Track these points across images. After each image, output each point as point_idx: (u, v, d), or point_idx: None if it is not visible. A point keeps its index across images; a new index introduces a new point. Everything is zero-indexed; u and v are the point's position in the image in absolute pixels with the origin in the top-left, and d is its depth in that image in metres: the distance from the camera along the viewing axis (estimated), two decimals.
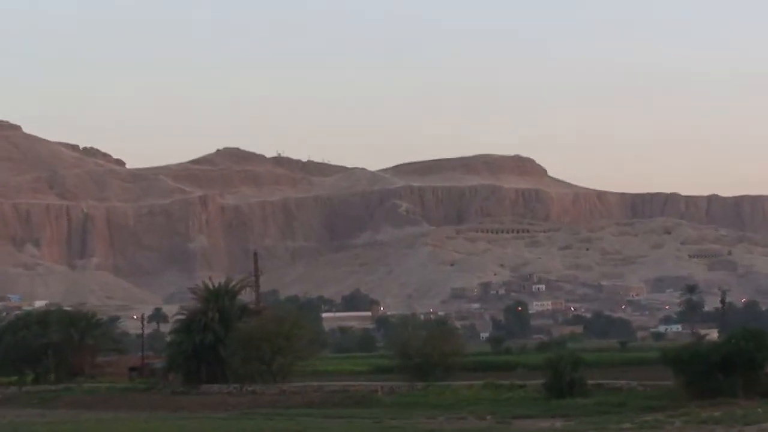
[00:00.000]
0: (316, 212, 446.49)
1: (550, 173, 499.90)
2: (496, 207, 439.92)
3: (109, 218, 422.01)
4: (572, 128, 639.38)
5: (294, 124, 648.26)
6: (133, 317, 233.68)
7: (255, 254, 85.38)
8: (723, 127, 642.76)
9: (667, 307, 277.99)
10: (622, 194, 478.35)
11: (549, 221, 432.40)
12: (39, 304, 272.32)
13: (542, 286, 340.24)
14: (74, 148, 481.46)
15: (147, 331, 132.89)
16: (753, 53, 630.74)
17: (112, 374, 77.36)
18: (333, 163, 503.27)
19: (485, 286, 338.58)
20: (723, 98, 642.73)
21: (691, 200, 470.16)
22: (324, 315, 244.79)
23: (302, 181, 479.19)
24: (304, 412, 47.84)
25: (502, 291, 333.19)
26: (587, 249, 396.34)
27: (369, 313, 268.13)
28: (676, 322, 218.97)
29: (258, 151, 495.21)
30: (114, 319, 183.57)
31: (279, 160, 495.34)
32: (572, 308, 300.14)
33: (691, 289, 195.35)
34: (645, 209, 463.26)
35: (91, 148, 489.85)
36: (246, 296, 73.46)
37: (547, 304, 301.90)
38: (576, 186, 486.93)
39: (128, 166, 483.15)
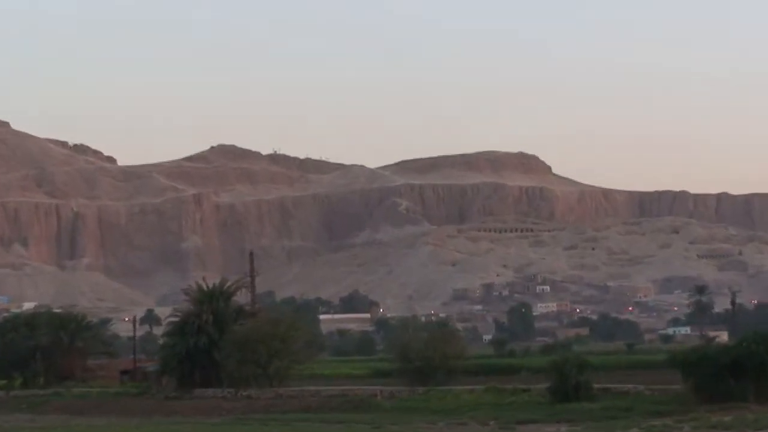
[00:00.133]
0: (314, 211, 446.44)
1: (554, 170, 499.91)
2: (499, 205, 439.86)
3: (100, 217, 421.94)
4: (578, 124, 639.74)
5: (291, 121, 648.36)
6: (124, 319, 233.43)
7: (251, 254, 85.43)
8: (733, 124, 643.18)
9: (676, 309, 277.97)
10: (629, 192, 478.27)
11: (553, 220, 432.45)
12: (27, 305, 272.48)
13: (547, 287, 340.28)
14: (64, 144, 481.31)
15: (139, 333, 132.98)
16: (764, 48, 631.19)
17: (103, 378, 77.31)
18: (331, 160, 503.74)
19: (488, 287, 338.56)
20: (732, 95, 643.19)
21: (700, 198, 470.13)
22: (322, 317, 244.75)
23: (299, 179, 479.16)
24: (301, 417, 47.83)
25: (505, 292, 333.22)
26: (593, 249, 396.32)
27: (368, 315, 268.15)
28: (684, 324, 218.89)
29: (254, 148, 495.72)
30: (105, 322, 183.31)
31: (275, 158, 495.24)
32: (578, 310, 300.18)
33: (701, 289, 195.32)
34: (653, 208, 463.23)
35: (82, 144, 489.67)
36: (241, 297, 73.44)
37: (551, 306, 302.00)
38: (581, 184, 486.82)
39: (119, 163, 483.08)
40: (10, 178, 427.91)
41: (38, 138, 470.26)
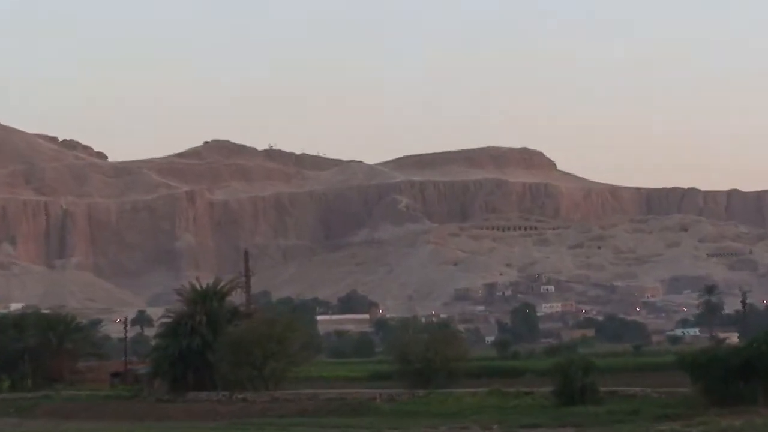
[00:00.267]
0: (311, 208, 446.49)
1: (559, 166, 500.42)
2: (502, 202, 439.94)
3: (90, 215, 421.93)
4: (583, 119, 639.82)
5: (287, 116, 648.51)
6: (115, 320, 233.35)
7: (245, 253, 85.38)
8: (743, 119, 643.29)
9: (684, 309, 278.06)
10: (637, 189, 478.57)
11: (558, 218, 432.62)
12: (15, 306, 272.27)
13: (551, 287, 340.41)
14: (53, 140, 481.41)
15: (130, 335, 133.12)
16: None
17: (93, 381, 77.37)
18: (328, 156, 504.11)
19: (490, 287, 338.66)
20: (743, 89, 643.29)
21: (709, 195, 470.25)
22: (319, 318, 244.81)
23: (296, 176, 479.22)
24: (298, 421, 47.84)
25: (508, 292, 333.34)
26: (599, 247, 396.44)
27: (367, 316, 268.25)
28: (693, 325, 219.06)
29: (248, 144, 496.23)
30: (95, 323, 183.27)
31: (271, 153, 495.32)
32: (583, 310, 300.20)
33: (710, 290, 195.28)
34: (661, 205, 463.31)
35: (71, 140, 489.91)
36: (236, 298, 73.44)
37: (556, 306, 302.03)
38: (587, 180, 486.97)
39: (110, 159, 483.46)
40: None
41: (26, 133, 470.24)
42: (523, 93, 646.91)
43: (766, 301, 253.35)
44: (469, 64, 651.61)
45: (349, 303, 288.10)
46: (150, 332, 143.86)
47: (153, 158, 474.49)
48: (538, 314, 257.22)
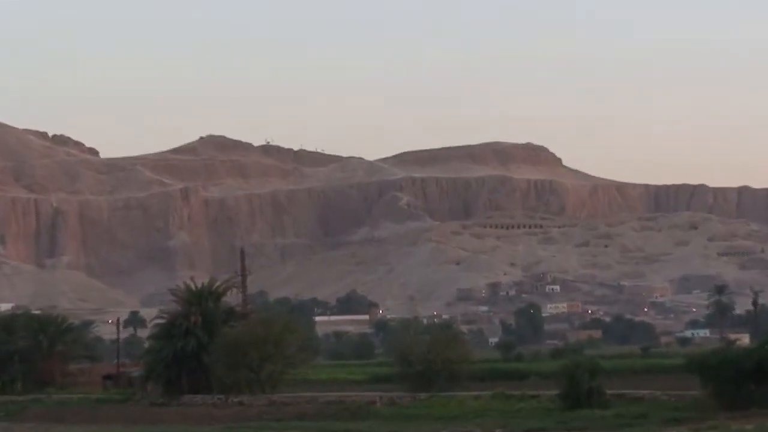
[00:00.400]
0: (309, 206, 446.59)
1: (565, 162, 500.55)
2: (506, 200, 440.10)
3: (82, 213, 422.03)
4: (589, 113, 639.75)
5: (284, 110, 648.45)
6: (107, 321, 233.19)
7: (242, 252, 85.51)
8: (754, 114, 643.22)
9: (694, 310, 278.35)
10: (645, 186, 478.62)
11: (564, 215, 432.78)
12: (4, 307, 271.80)
13: (557, 287, 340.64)
14: (43, 135, 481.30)
15: (123, 336, 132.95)
16: None
17: (84, 384, 77.40)
18: (327, 152, 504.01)
19: (494, 287, 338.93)
20: (754, 83, 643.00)
21: (720, 192, 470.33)
22: (317, 318, 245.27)
23: (293, 172, 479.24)
24: (296, 425, 47.87)
25: (512, 292, 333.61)
26: (606, 246, 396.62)
27: (367, 317, 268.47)
28: (703, 326, 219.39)
29: (245, 140, 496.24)
30: (87, 324, 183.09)
31: (268, 149, 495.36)
32: (590, 311, 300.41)
33: (720, 289, 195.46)
34: (669, 202, 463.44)
35: (62, 135, 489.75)
36: (232, 298, 73.49)
37: (562, 307, 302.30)
38: (594, 177, 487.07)
39: (102, 155, 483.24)
40: None
41: (16, 128, 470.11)
42: (527, 87, 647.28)
43: None
44: (472, 57, 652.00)
45: (349, 303, 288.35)
46: (143, 333, 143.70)
47: (146, 154, 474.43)
48: (543, 315, 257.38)
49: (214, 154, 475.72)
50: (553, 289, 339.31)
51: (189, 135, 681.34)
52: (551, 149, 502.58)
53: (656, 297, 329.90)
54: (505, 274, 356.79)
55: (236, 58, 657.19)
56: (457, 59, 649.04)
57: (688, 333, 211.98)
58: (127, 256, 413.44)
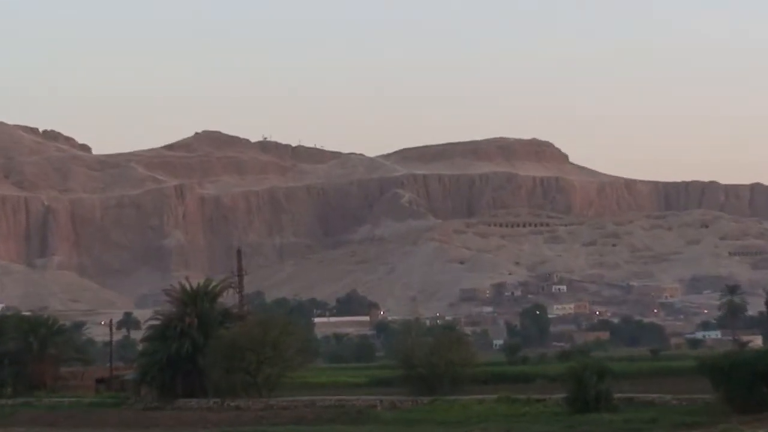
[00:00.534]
0: (308, 204, 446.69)
1: (571, 159, 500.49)
2: (511, 197, 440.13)
3: (73, 211, 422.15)
4: (597, 108, 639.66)
5: (282, 105, 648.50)
6: (100, 323, 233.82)
7: (238, 251, 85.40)
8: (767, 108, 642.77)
9: (705, 311, 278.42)
10: (654, 183, 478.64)
11: (571, 214, 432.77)
12: None
13: (563, 287, 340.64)
14: (33, 131, 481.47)
15: (116, 338, 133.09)
16: None
17: (76, 387, 77.50)
18: (326, 148, 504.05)
19: (499, 288, 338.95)
20: (766, 78, 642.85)
21: (731, 189, 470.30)
22: (316, 320, 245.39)
23: (292, 169, 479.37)
24: (294, 430, 47.89)
25: (517, 293, 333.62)
26: (614, 245, 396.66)
27: (367, 318, 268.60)
28: (714, 327, 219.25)
29: (241, 135, 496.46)
30: (79, 326, 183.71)
31: (265, 145, 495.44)
32: (597, 312, 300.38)
33: (732, 290, 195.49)
34: (680, 200, 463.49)
35: (53, 131, 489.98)
36: (228, 299, 73.51)
37: (569, 308, 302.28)
38: (601, 173, 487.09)
39: (94, 151, 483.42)
40: None
41: (5, 124, 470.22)
42: (533, 81, 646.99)
43: None
44: (476, 50, 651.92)
45: (349, 304, 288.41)
46: (137, 335, 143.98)
47: (140, 150, 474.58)
48: (550, 316, 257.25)
49: (210, 151, 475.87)
50: (559, 289, 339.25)
51: (184, 130, 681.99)
52: (558, 145, 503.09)
53: (666, 298, 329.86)
54: (510, 274, 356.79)
55: (232, 52, 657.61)
56: (461, 53, 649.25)
57: (698, 335, 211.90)
58: (120, 255, 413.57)
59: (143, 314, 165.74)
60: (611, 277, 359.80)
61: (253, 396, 60.35)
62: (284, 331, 63.59)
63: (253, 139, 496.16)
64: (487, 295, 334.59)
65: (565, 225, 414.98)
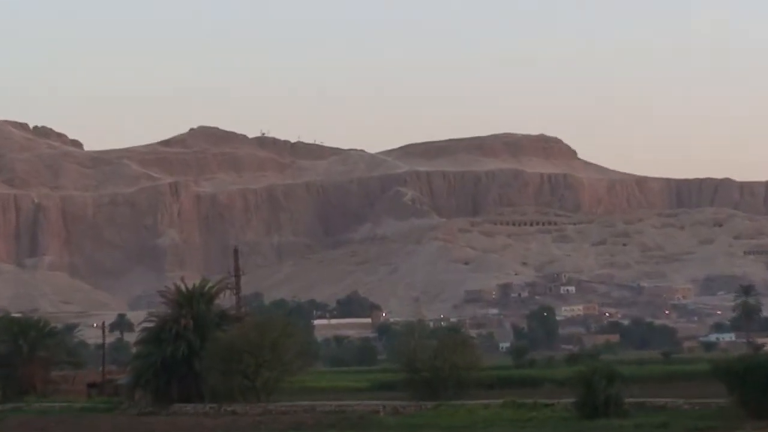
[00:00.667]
0: (307, 202, 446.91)
1: (580, 155, 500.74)
2: (518, 195, 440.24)
3: (65, 209, 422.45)
4: (606, 103, 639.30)
5: (280, 100, 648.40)
6: (92, 325, 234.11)
7: (235, 251, 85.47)
8: None
9: (719, 313, 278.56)
10: (666, 180, 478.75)
11: (580, 212, 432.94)
12: None
13: (572, 288, 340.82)
14: (24, 127, 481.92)
15: (109, 341, 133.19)
16: None
17: (68, 392, 77.49)
18: (326, 144, 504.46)
19: (505, 288, 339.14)
20: None
21: (746, 186, 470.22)
22: (316, 322, 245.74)
23: (290, 166, 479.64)
24: None
25: (524, 294, 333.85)
26: (624, 244, 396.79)
27: (369, 320, 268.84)
28: (728, 329, 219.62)
29: (238, 131, 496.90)
30: (70, 328, 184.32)
31: (263, 141, 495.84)
32: (607, 314, 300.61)
33: (747, 290, 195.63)
34: (692, 198, 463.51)
35: (44, 127, 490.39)
36: (225, 300, 73.48)
37: (577, 309, 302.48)
38: (611, 170, 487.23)
39: (86, 148, 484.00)
40: None
41: None
42: (540, 75, 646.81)
43: None
44: (481, 43, 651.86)
45: (350, 306, 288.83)
46: (130, 338, 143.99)
47: (133, 147, 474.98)
48: (558, 318, 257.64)
49: (206, 147, 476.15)
50: (568, 290, 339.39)
51: (179, 126, 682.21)
52: (566, 141, 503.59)
53: (678, 299, 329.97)
54: (516, 274, 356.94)
55: (229, 45, 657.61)
56: (465, 48, 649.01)
57: (712, 337, 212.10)
58: (113, 255, 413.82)
59: (137, 316, 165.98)
60: (621, 278, 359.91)
61: (251, 401, 60.34)
62: (283, 334, 63.52)
63: (251, 135, 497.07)
64: (493, 297, 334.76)
65: (574, 224, 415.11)
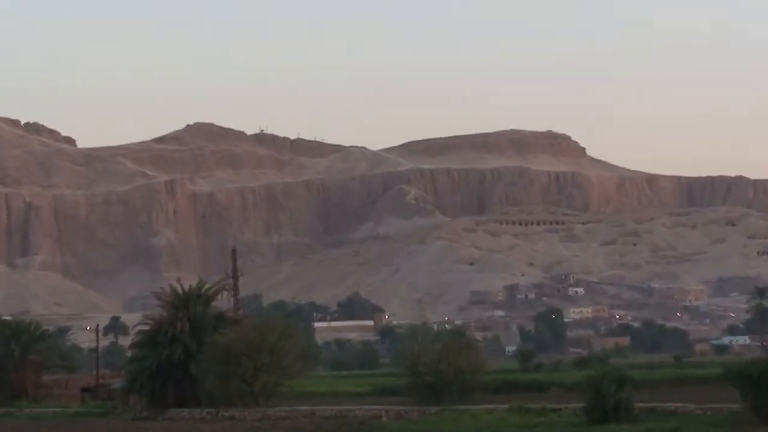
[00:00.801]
0: (307, 201, 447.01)
1: (589, 152, 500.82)
2: (524, 193, 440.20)
3: (57, 208, 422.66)
4: (616, 98, 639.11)
5: (280, 96, 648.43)
6: (85, 328, 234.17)
7: (233, 251, 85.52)
8: None
9: (732, 315, 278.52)
10: (677, 178, 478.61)
11: (588, 211, 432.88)
12: None
13: (580, 290, 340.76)
14: (15, 123, 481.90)
15: (103, 344, 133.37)
16: None
17: (60, 396, 77.60)
18: (327, 141, 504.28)
19: (511, 290, 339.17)
20: None
21: (760, 185, 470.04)
22: (317, 324, 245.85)
23: (290, 163, 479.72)
24: None
25: (531, 295, 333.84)
26: (634, 244, 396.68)
27: (371, 323, 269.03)
28: (742, 332, 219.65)
29: (236, 127, 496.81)
30: (63, 331, 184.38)
31: (262, 138, 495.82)
32: (617, 316, 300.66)
33: (761, 292, 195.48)
34: (704, 196, 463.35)
35: (35, 123, 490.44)
36: (222, 302, 73.54)
37: (586, 311, 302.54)
38: (621, 168, 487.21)
39: (79, 145, 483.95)
40: None
41: None
42: (547, 70, 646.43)
43: None
44: (486, 37, 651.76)
45: (351, 308, 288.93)
46: (125, 341, 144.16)
47: (128, 144, 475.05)
48: (566, 320, 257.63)
49: (203, 144, 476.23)
50: (576, 291, 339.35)
51: (175, 122, 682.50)
52: (574, 137, 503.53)
53: (690, 300, 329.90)
54: (523, 275, 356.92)
55: (226, 39, 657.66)
56: (471, 40, 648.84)
57: (725, 340, 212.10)
58: (106, 255, 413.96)
59: (131, 318, 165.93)
60: (631, 279, 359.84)
61: (250, 405, 60.40)
62: (282, 336, 63.57)
63: (249, 132, 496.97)
64: (499, 298, 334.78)
65: (582, 223, 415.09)
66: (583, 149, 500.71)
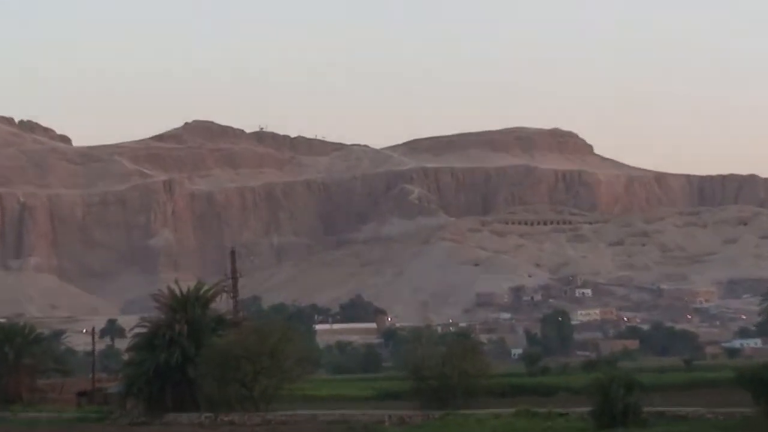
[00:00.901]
0: (308, 200, 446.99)
1: (596, 150, 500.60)
2: (531, 193, 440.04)
3: (52, 208, 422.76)
4: (623, 95, 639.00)
5: (279, 93, 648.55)
6: (81, 331, 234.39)
7: (232, 252, 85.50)
8: None
9: (743, 317, 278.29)
10: (687, 176, 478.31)
11: (596, 210, 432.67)
12: None
13: (588, 291, 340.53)
14: (8, 121, 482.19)
15: (99, 347, 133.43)
16: None
17: (55, 401, 77.74)
18: (328, 139, 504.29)
19: (517, 291, 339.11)
20: None
21: None
22: (318, 327, 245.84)
23: (290, 162, 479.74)
24: None
25: (538, 297, 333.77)
26: (643, 245, 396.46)
27: (373, 325, 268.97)
28: (754, 335, 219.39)
29: (235, 125, 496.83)
30: (58, 334, 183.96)
31: (261, 136, 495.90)
32: (625, 318, 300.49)
33: None
34: (715, 195, 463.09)
35: (30, 121, 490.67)
36: (221, 304, 73.58)
37: (594, 313, 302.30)
38: (629, 166, 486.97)
39: (75, 143, 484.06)
40: None
41: None
42: (553, 66, 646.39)
43: None
44: (491, 32, 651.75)
45: (353, 310, 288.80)
46: (122, 344, 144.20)
47: (125, 142, 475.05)
48: (573, 323, 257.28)
49: (202, 142, 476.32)
50: (583, 293, 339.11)
51: (173, 121, 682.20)
52: (581, 135, 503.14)
53: (700, 302, 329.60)
54: (529, 276, 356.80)
55: (226, 35, 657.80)
56: (475, 36, 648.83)
57: (736, 343, 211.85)
58: (103, 257, 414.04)
59: (128, 321, 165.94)
60: (640, 280, 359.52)
61: (249, 410, 60.44)
62: (283, 339, 63.65)
63: (249, 130, 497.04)
64: (505, 300, 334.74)
65: (590, 223, 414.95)
66: (591, 147, 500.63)
